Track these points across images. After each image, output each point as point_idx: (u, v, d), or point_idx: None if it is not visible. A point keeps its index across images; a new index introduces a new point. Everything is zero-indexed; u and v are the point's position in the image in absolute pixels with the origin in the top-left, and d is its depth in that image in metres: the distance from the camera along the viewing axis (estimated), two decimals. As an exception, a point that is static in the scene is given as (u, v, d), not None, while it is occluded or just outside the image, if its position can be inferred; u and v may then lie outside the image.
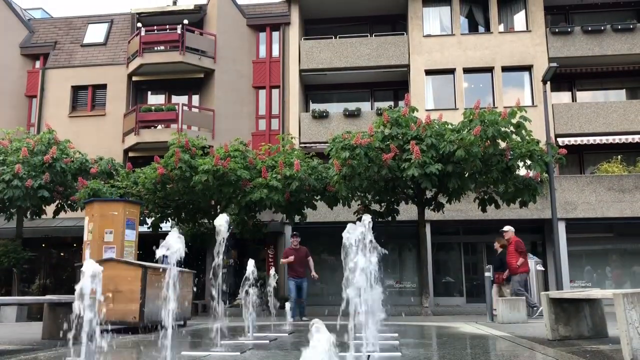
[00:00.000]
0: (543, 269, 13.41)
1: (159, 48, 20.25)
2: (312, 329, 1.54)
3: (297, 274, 12.00)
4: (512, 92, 19.45)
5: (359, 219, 5.80)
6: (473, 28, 20.72)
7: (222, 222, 5.18)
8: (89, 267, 3.23)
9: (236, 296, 16.39)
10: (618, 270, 18.61)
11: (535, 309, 11.53)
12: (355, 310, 3.42)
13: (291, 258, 11.98)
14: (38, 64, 22.03)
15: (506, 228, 12.38)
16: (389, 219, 14.59)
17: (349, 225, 4.42)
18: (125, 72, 20.70)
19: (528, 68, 19.50)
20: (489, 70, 19.63)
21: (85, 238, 10.84)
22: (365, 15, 21.44)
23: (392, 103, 20.49)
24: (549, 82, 15.19)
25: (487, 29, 20.28)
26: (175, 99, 21.05)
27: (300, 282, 12.02)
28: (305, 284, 12.08)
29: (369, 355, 4.66)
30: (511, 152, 12.73)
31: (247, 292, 6.99)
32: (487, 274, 11.27)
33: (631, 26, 19.34)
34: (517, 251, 11.74)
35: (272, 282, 8.32)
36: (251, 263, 7.25)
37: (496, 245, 12.78)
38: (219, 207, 14.76)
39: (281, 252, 18.70)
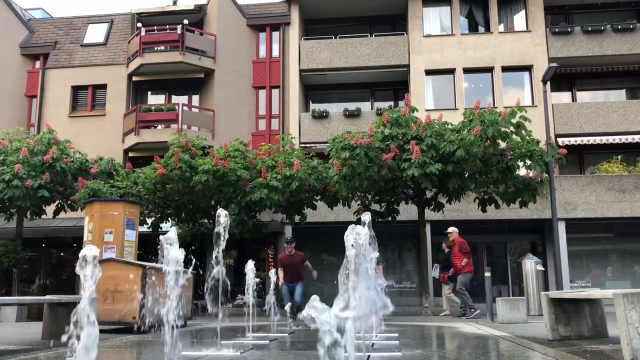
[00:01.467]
0: (543, 269, 13.42)
1: (159, 48, 20.26)
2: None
3: (290, 280, 11.46)
4: (512, 92, 19.45)
5: (359, 220, 5.85)
6: (473, 28, 20.73)
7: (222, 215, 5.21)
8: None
9: (236, 296, 16.39)
10: (597, 270, 18.61)
11: (472, 310, 11.84)
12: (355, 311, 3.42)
13: (281, 276, 11.39)
14: (38, 64, 22.03)
15: (450, 229, 12.69)
16: (389, 219, 14.59)
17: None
18: (125, 72, 20.71)
19: (528, 68, 19.50)
20: (489, 70, 19.64)
21: (85, 238, 10.84)
22: (365, 15, 21.45)
23: (392, 103, 20.49)
24: (549, 82, 15.20)
25: (487, 29, 20.29)
26: (175, 99, 21.05)
27: (294, 286, 11.49)
28: (299, 287, 11.47)
29: (368, 356, 4.66)
30: (511, 152, 12.73)
31: (247, 292, 7.00)
32: (487, 274, 11.27)
33: (631, 26, 19.34)
34: (461, 252, 12.25)
35: (272, 282, 8.32)
36: (250, 264, 7.25)
37: (443, 245, 13.20)
38: (219, 207, 14.75)
39: (281, 252, 18.72)
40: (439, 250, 19.27)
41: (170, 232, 3.62)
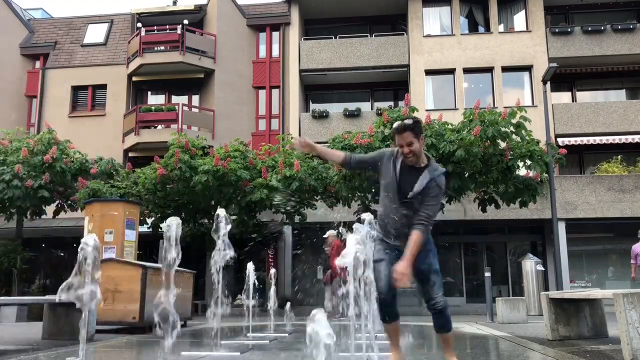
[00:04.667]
0: (543, 269, 13.43)
1: (159, 48, 20.26)
2: None
3: None
4: (512, 92, 19.45)
5: (359, 220, 5.57)
6: (473, 28, 20.73)
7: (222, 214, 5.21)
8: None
9: (236, 296, 16.38)
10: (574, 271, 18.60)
11: (338, 315, 11.80)
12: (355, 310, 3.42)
13: None
14: (38, 64, 22.03)
15: (327, 234, 12.60)
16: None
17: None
18: (125, 72, 20.71)
19: (528, 68, 19.50)
20: (489, 70, 19.63)
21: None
22: (365, 15, 21.45)
23: (392, 103, 20.49)
24: (549, 82, 15.20)
25: (487, 29, 20.29)
26: (175, 99, 21.05)
27: None
28: None
29: (368, 356, 4.65)
30: (511, 152, 12.74)
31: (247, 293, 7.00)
32: (487, 274, 11.27)
33: (631, 26, 19.35)
34: (338, 255, 12.08)
35: (272, 282, 8.31)
36: (250, 266, 7.24)
37: (327, 249, 13.19)
38: (219, 207, 14.76)
39: (281, 252, 18.73)
40: (439, 250, 19.30)
41: None
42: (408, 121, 3.70)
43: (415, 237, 3.53)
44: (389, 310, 3.69)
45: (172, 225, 3.67)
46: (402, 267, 3.36)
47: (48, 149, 14.79)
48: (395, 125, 3.73)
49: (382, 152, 3.82)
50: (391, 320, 3.76)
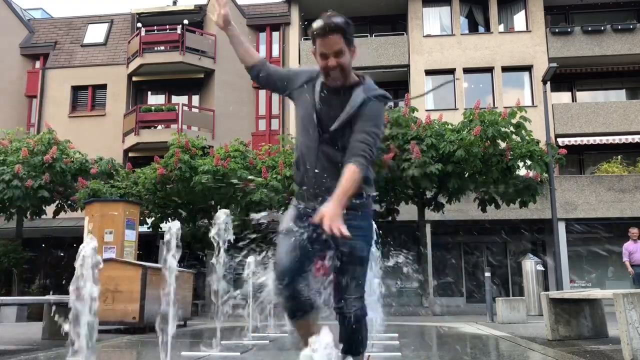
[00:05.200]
0: (543, 269, 13.43)
1: (159, 48, 20.27)
2: None
3: None
4: (512, 92, 19.45)
5: None
6: (473, 28, 20.73)
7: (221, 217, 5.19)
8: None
9: (236, 297, 16.35)
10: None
11: None
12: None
13: None
14: (38, 64, 22.04)
15: None
16: (389, 219, 14.59)
17: None
18: (125, 72, 20.71)
19: (528, 68, 19.50)
20: (489, 70, 19.63)
21: (85, 238, 10.83)
22: (365, 15, 21.44)
23: (391, 103, 20.48)
24: (549, 82, 15.20)
25: (487, 29, 20.29)
26: (175, 99, 21.06)
27: None
28: None
29: (368, 356, 4.65)
30: (511, 152, 12.75)
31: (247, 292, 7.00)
32: (487, 274, 11.26)
33: (631, 26, 19.35)
34: None
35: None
36: (251, 259, 7.23)
37: None
38: (219, 207, 14.76)
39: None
40: (439, 250, 19.32)
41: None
42: (337, 19, 2.44)
43: (349, 172, 2.35)
44: (294, 302, 2.58)
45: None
46: (330, 208, 2.22)
47: (48, 149, 14.79)
48: (314, 24, 2.45)
49: (300, 70, 2.71)
50: (302, 315, 2.61)
